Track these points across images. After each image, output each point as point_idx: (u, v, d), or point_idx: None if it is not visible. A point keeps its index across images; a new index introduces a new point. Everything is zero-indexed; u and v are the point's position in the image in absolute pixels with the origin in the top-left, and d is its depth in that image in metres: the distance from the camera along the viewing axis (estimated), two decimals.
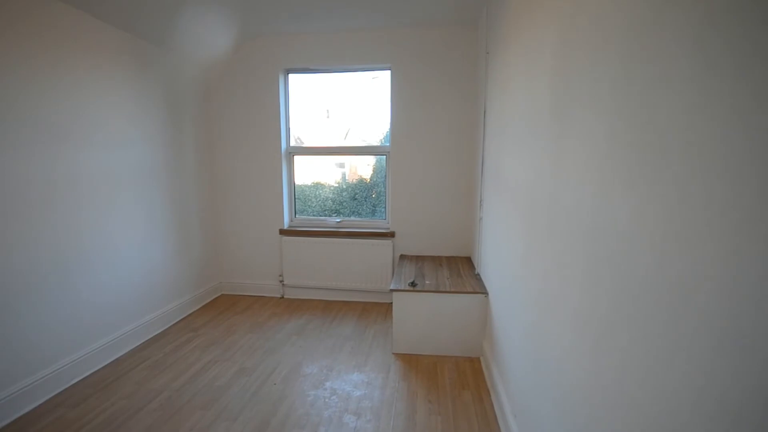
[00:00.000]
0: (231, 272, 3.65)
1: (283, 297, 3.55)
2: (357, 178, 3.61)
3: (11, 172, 1.83)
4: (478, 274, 2.70)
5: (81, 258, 2.21)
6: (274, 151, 3.41)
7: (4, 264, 1.81)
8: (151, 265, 2.76)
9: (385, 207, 3.48)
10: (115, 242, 2.43)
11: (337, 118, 3.56)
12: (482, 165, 2.62)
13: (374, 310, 3.23)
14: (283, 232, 3.47)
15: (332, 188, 3.62)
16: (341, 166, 3.67)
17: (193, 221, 3.24)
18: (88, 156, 2.24)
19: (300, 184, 3.64)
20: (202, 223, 3.37)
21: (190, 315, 3.11)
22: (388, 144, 3.36)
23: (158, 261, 2.84)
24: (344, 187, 3.61)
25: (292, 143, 3.53)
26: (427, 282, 2.55)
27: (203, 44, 3.02)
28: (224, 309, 3.26)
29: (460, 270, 2.84)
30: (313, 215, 3.62)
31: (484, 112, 2.55)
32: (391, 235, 3.32)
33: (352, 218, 3.53)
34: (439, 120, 3.17)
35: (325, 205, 3.61)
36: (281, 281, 3.52)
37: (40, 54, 1.94)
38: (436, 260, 3.14)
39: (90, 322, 2.27)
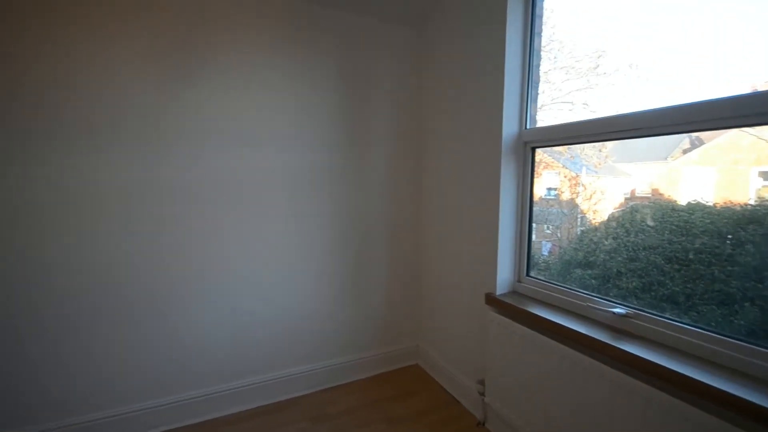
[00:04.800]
0: (428, 335, 2.33)
1: (482, 425, 1.81)
2: None
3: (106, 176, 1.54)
4: None
5: (188, 286, 1.77)
6: (487, 140, 1.73)
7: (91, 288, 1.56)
8: (295, 306, 2.01)
9: None
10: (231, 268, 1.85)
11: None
12: None
13: None
14: (491, 301, 1.73)
15: (624, 212, 1.41)
16: None
17: (376, 249, 2.21)
18: (225, 157, 1.74)
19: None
20: (395, 254, 2.27)
21: (341, 386, 2.12)
22: None
23: (312, 303, 2.05)
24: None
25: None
26: None
27: None
28: (383, 398, 2.01)
29: None
30: (571, 283, 1.58)
31: None
32: None
33: (673, 322, 1.20)
34: None
35: (608, 259, 1.48)
36: (481, 394, 1.80)
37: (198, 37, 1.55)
38: None
39: (174, 369, 1.79)
